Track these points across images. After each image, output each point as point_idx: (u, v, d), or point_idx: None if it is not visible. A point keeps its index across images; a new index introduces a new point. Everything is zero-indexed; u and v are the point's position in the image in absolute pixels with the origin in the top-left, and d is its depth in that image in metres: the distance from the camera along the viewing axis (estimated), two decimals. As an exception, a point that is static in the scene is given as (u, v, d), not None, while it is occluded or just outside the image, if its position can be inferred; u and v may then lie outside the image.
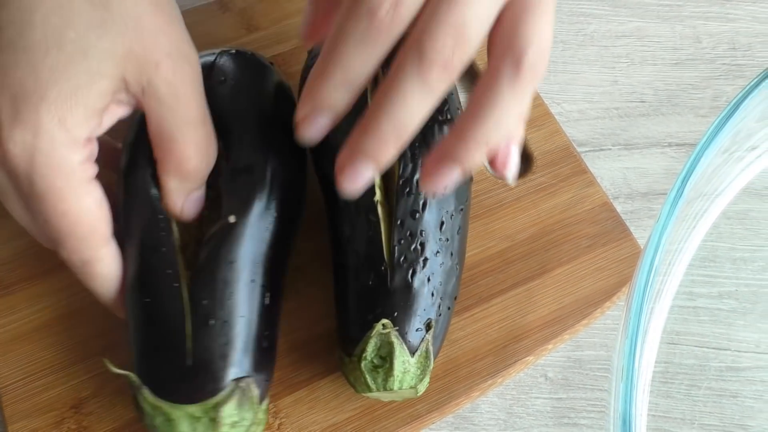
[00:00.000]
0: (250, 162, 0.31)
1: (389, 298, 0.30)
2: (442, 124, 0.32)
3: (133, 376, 0.29)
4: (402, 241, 0.30)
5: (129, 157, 0.31)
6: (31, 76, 0.26)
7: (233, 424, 0.28)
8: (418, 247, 0.30)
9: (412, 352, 0.30)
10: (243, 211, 0.30)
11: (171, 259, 0.29)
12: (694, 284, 0.38)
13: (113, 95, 0.28)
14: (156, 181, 0.31)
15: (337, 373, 0.34)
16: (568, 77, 0.44)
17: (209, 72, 0.32)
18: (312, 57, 0.35)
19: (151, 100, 0.28)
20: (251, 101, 0.33)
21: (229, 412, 0.28)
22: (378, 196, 0.31)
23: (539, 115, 0.41)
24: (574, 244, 0.37)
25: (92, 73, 0.27)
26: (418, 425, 0.33)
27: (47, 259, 0.36)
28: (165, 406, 0.28)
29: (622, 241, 0.37)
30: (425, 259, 0.30)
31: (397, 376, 0.30)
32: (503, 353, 0.35)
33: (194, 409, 0.28)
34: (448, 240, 0.31)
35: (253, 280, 0.30)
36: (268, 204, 0.31)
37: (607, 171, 0.41)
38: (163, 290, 0.29)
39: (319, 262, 0.36)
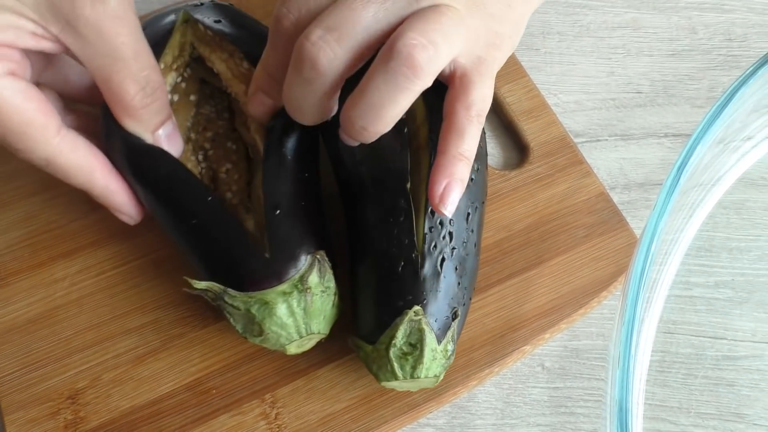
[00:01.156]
0: None
1: (420, 285, 0.30)
2: None
3: (215, 285, 0.30)
4: (432, 229, 0.30)
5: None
6: None
7: (321, 293, 0.31)
8: (447, 235, 0.31)
9: (439, 340, 0.30)
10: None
11: (194, 182, 0.31)
12: (690, 274, 0.38)
13: (20, 16, 0.28)
14: None
15: (335, 362, 0.34)
16: (565, 68, 0.44)
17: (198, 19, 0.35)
18: None
19: (72, 39, 0.28)
20: (253, 28, 0.36)
21: (314, 280, 0.30)
22: (409, 183, 0.31)
23: (535, 106, 0.41)
24: (571, 235, 0.37)
25: None
26: (415, 414, 0.33)
27: (42, 251, 0.36)
28: (257, 295, 0.30)
29: (619, 231, 0.38)
30: (453, 248, 0.31)
31: (426, 363, 0.29)
32: (500, 343, 0.35)
33: (284, 287, 0.30)
34: (473, 231, 0.32)
35: (306, 175, 0.32)
36: None
37: (604, 161, 0.41)
38: (203, 208, 0.31)
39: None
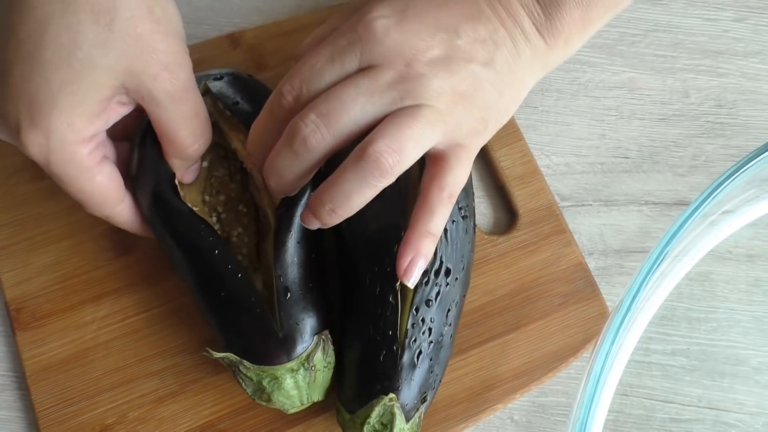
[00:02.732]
0: None
1: (397, 374, 0.34)
2: (459, 222, 0.36)
3: (231, 355, 0.35)
4: (414, 326, 0.35)
5: (143, 170, 0.37)
6: (44, 87, 0.32)
7: (323, 368, 0.36)
8: (427, 331, 0.35)
9: (408, 419, 0.35)
10: (303, 194, 0.36)
11: (228, 257, 0.36)
12: (650, 341, 0.42)
13: (113, 100, 0.34)
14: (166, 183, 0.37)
15: (330, 412, 0.39)
16: (559, 128, 0.46)
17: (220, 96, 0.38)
18: None
19: (151, 105, 0.34)
20: None
21: (318, 358, 0.35)
22: (399, 283, 0.35)
23: (528, 172, 0.44)
24: (548, 302, 0.41)
25: (96, 85, 0.32)
26: (397, 462, 0.38)
27: (72, 295, 0.40)
28: (268, 369, 0.35)
29: (592, 300, 0.42)
30: (431, 342, 0.35)
31: None
32: (476, 400, 0.40)
33: (292, 364, 0.35)
34: (450, 325, 0.36)
35: (313, 256, 0.36)
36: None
37: (586, 227, 0.44)
38: (232, 283, 0.35)
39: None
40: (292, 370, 0.35)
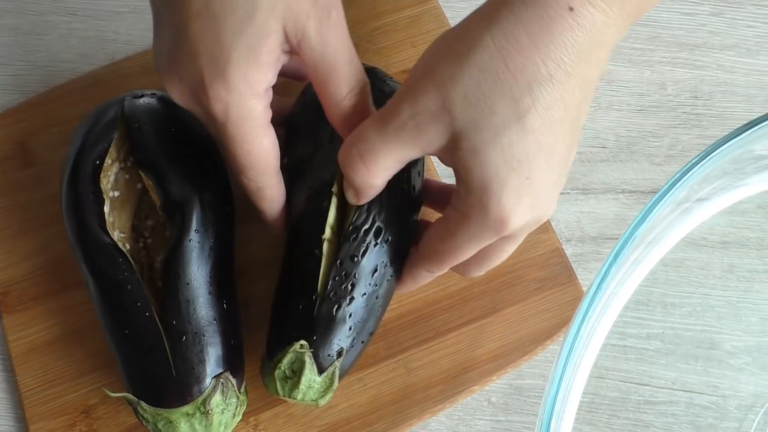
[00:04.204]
0: (182, 197, 0.37)
1: (312, 324, 0.35)
2: (403, 189, 0.37)
3: (129, 396, 0.35)
4: (336, 278, 0.35)
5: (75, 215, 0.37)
6: (218, 42, 0.32)
7: (222, 411, 0.35)
8: (349, 286, 0.35)
9: (320, 372, 0.35)
10: (185, 236, 0.36)
11: (139, 294, 0.35)
12: (626, 325, 0.43)
13: (280, 47, 0.32)
14: (103, 226, 0.36)
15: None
16: (538, 119, 0.47)
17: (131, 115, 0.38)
18: (307, 90, 0.40)
19: (305, 48, 0.33)
20: (175, 141, 0.38)
21: (216, 402, 0.35)
22: (327, 235, 0.36)
23: (506, 160, 0.45)
24: (525, 287, 0.42)
25: (261, 30, 0.32)
26: (375, 442, 0.39)
27: (57, 279, 0.41)
28: (163, 412, 0.35)
29: (567, 285, 0.42)
30: (352, 298, 0.35)
31: (302, 389, 0.35)
32: (453, 382, 0.40)
33: (187, 408, 0.35)
34: (377, 285, 0.36)
35: (210, 292, 0.36)
36: (206, 227, 0.37)
37: (564, 214, 0.45)
38: (138, 321, 0.35)
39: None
40: (188, 414, 0.34)
